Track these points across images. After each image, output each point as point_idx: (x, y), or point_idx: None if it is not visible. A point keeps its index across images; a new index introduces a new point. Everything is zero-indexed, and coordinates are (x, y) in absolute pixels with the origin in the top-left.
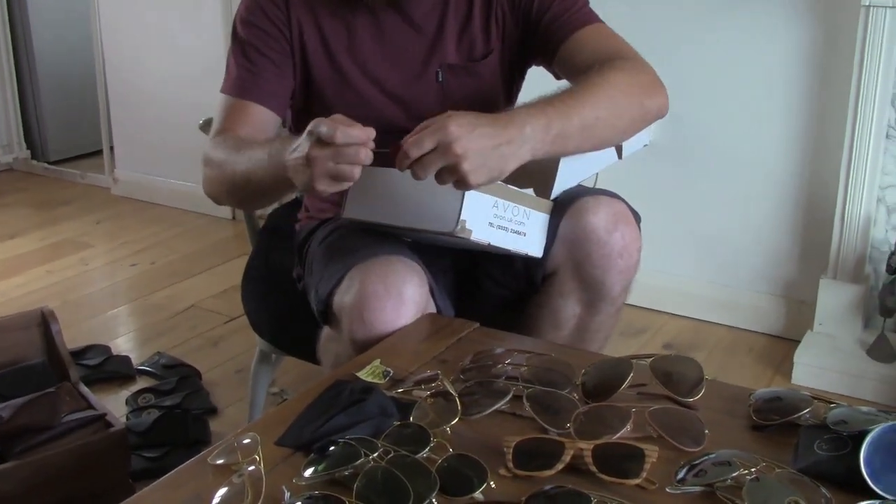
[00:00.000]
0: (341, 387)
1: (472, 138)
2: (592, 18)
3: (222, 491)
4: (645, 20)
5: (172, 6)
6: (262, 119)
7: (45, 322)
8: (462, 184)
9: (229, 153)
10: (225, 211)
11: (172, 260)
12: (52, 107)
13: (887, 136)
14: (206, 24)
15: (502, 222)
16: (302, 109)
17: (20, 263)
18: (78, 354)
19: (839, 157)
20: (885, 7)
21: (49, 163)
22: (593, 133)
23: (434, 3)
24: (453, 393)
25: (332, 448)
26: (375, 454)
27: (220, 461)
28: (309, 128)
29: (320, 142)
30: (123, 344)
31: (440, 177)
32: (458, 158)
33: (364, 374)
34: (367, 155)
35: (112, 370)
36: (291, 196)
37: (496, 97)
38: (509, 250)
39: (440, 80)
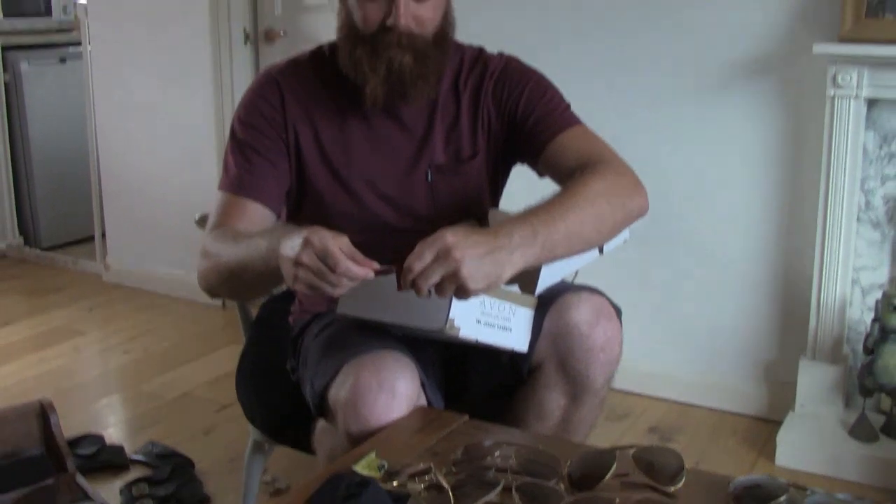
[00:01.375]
0: (338, 480)
1: (468, 245)
2: (574, 121)
3: None
4: (624, 116)
5: (166, 100)
6: (258, 215)
7: (43, 413)
8: (462, 291)
9: (226, 244)
10: (215, 299)
11: (164, 348)
12: (45, 194)
13: (858, 220)
14: (198, 116)
15: (489, 319)
16: (296, 205)
17: (12, 351)
18: (71, 444)
19: (813, 241)
20: (850, 97)
21: (42, 249)
22: (579, 239)
23: (423, 106)
24: (446, 486)
25: None
26: None
27: None
28: (308, 235)
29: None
30: (116, 432)
31: (440, 288)
32: (458, 263)
33: (360, 468)
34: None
35: (106, 460)
36: (282, 288)
37: (482, 195)
38: (496, 345)
39: (429, 179)
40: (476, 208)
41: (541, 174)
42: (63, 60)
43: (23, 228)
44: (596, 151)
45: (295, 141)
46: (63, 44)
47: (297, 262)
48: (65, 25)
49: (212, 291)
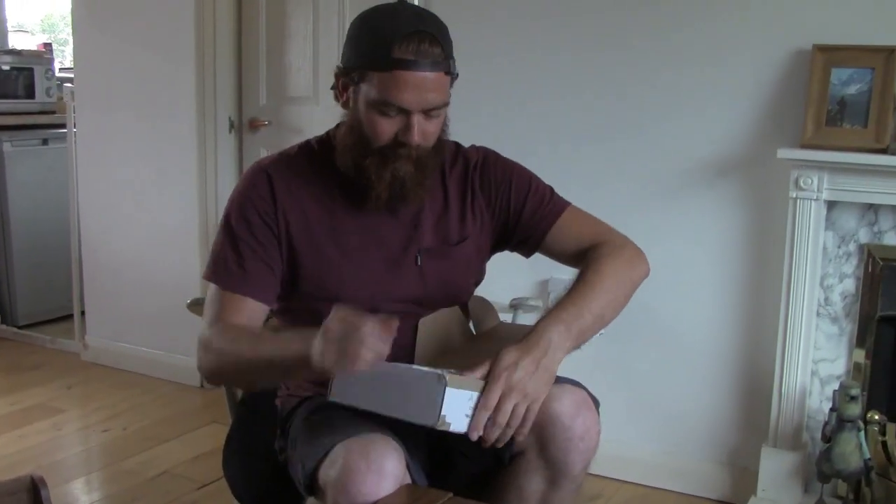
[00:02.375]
0: None
1: (522, 374)
2: (564, 204)
3: None
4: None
5: (150, 183)
6: (256, 311)
7: (34, 488)
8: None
9: (242, 342)
10: (194, 379)
11: (144, 426)
12: (23, 272)
13: (818, 314)
14: (182, 201)
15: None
16: (287, 290)
17: None
18: None
19: (775, 333)
20: (811, 199)
21: (18, 327)
22: (601, 321)
23: None
24: None
25: None
26: None
27: None
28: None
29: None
30: None
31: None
32: (525, 397)
33: None
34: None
35: None
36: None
37: (468, 277)
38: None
39: (419, 263)
40: (462, 290)
41: (527, 256)
42: (45, 142)
43: (0, 306)
44: (594, 231)
45: (286, 230)
46: (46, 125)
47: (327, 333)
48: (48, 107)
49: (221, 382)
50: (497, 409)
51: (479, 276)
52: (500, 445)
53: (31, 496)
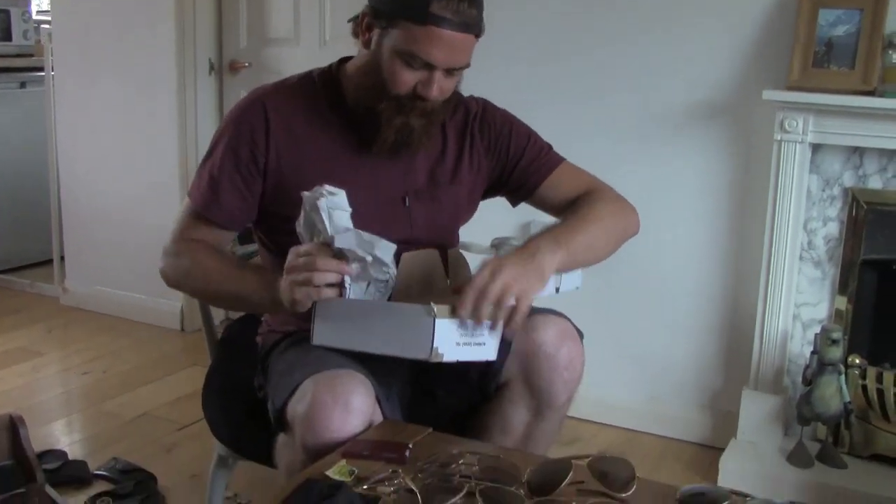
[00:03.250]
0: (312, 484)
1: (510, 266)
2: (561, 159)
3: None
4: (575, 148)
5: (130, 126)
6: (220, 236)
7: (13, 426)
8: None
9: (208, 268)
10: (174, 322)
11: (124, 369)
12: (1, 215)
13: (801, 258)
14: (161, 143)
15: (466, 339)
16: (274, 224)
17: None
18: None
19: (758, 277)
20: (795, 142)
21: None
22: (593, 250)
23: None
24: (415, 488)
25: None
26: None
27: None
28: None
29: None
30: (78, 450)
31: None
32: (516, 282)
33: (332, 473)
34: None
35: (69, 474)
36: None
37: (457, 221)
38: (472, 361)
39: (407, 204)
40: (449, 233)
41: (514, 204)
42: (23, 85)
43: None
44: (589, 183)
45: (276, 165)
46: (23, 69)
47: (289, 269)
48: (25, 50)
49: (178, 289)
50: (486, 288)
51: (466, 219)
52: (494, 327)
53: (9, 434)
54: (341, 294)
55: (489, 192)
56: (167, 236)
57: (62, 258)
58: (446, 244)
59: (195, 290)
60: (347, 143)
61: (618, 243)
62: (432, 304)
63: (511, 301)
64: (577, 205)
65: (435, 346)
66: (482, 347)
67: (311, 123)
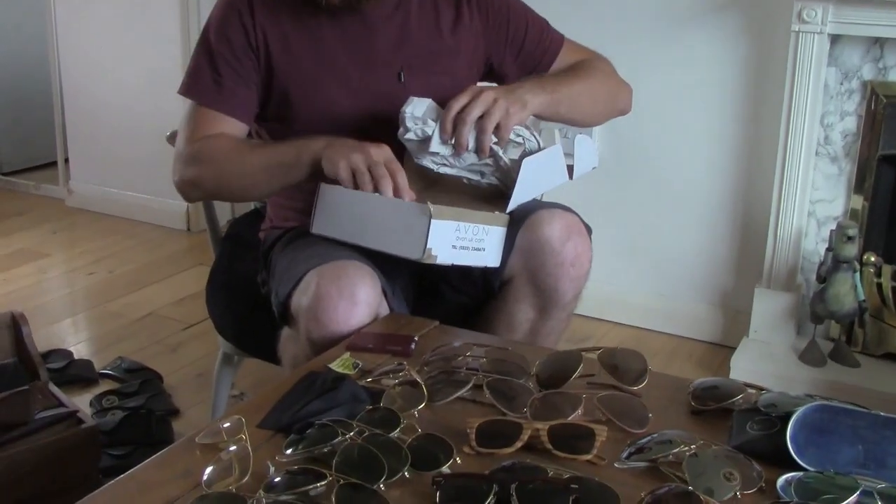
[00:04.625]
0: (314, 377)
1: (490, 91)
2: (560, 38)
3: (210, 467)
4: (586, 43)
5: (130, 19)
6: (233, 129)
7: (15, 324)
8: (506, 121)
9: (232, 151)
10: (180, 222)
11: (129, 269)
12: (4, 118)
13: (816, 154)
14: (163, 39)
15: (464, 243)
16: (265, 109)
17: None
18: (42, 358)
19: (772, 173)
20: (813, 33)
21: (2, 174)
22: (578, 105)
23: (396, 5)
24: (420, 381)
25: (310, 429)
26: (351, 433)
27: (207, 440)
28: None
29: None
30: (83, 349)
31: (483, 125)
32: (494, 95)
33: (336, 366)
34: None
35: (75, 374)
36: (250, 206)
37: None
38: (470, 265)
39: (402, 80)
40: None
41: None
42: None
43: None
44: (590, 55)
45: (265, 48)
46: None
47: (363, 153)
48: None
49: (202, 195)
50: (466, 110)
51: None
52: (478, 151)
53: (11, 332)
54: None
55: (494, 78)
56: (178, 145)
57: (66, 160)
58: None
59: (222, 179)
60: (330, 17)
61: (606, 110)
62: (429, 203)
63: (492, 125)
64: (574, 68)
65: (429, 246)
66: (481, 253)
67: (294, 4)
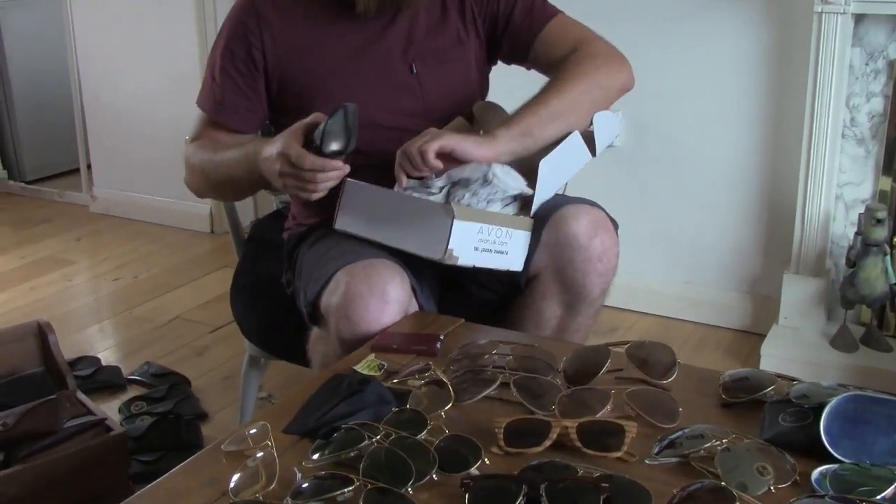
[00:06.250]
0: (340, 379)
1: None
2: (555, 11)
3: (237, 475)
4: (606, 30)
5: (147, 23)
6: (233, 137)
7: (41, 333)
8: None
9: (207, 154)
10: (203, 225)
11: (154, 274)
12: (27, 126)
13: (843, 136)
14: (180, 40)
15: (486, 245)
16: (281, 113)
17: (3, 281)
18: (69, 366)
19: (798, 156)
20: (837, 13)
21: (26, 182)
22: (562, 118)
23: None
24: (446, 381)
25: (336, 433)
26: (378, 437)
27: (232, 448)
28: (280, 148)
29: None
30: (111, 356)
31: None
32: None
33: (361, 368)
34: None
35: (103, 380)
36: (272, 206)
37: (469, 86)
38: (492, 268)
39: (414, 72)
40: (465, 100)
41: (529, 68)
42: None
43: (6, 162)
44: (579, 36)
45: (275, 57)
46: None
47: (280, 174)
48: None
49: (199, 195)
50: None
51: (482, 89)
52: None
53: (38, 341)
54: None
55: (493, 57)
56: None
57: (89, 166)
58: (464, 112)
59: (207, 185)
60: (341, 17)
61: (596, 103)
62: (453, 204)
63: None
64: (557, 69)
65: (450, 247)
66: (504, 256)
67: (302, 6)
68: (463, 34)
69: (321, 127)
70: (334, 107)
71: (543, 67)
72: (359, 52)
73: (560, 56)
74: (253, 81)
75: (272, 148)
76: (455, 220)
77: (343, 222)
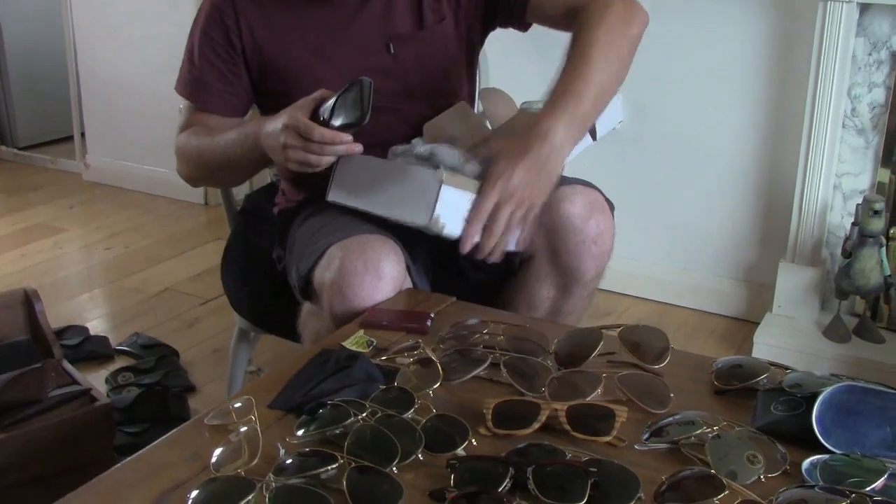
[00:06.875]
0: (328, 355)
1: (519, 179)
2: None
3: (220, 449)
4: None
5: None
6: (222, 123)
7: (28, 301)
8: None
9: (202, 140)
10: (197, 196)
11: (146, 244)
12: (21, 92)
13: (843, 126)
14: (178, 9)
15: None
16: (269, 91)
17: None
18: (56, 335)
19: (798, 146)
20: (842, 2)
21: (18, 149)
22: (604, 97)
23: None
24: (435, 360)
25: (322, 409)
26: (364, 414)
27: (216, 422)
28: (285, 119)
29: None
30: (100, 325)
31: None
32: (524, 203)
33: (349, 344)
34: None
35: (91, 350)
36: (266, 179)
37: (453, 64)
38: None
39: (392, 51)
40: (446, 77)
41: (525, 28)
42: None
43: None
44: None
45: (252, 41)
46: None
47: (284, 146)
48: None
49: (195, 183)
50: (492, 217)
51: (469, 63)
52: (495, 257)
53: (24, 310)
54: None
55: (487, 26)
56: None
57: (83, 134)
58: (450, 93)
59: (205, 171)
60: (321, 3)
61: (627, 59)
62: (443, 168)
63: (519, 216)
64: (573, 38)
65: (437, 213)
66: None
67: None
68: (440, 10)
69: (331, 101)
70: (349, 81)
71: (548, 21)
72: (336, 33)
73: (566, 8)
74: (234, 66)
75: (276, 122)
76: (443, 185)
77: (336, 195)
